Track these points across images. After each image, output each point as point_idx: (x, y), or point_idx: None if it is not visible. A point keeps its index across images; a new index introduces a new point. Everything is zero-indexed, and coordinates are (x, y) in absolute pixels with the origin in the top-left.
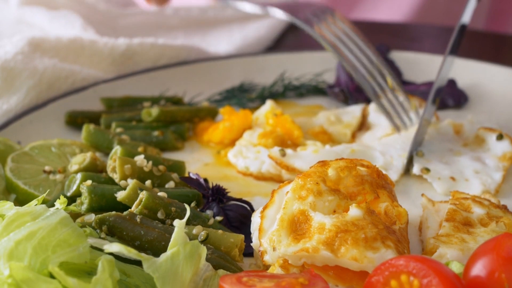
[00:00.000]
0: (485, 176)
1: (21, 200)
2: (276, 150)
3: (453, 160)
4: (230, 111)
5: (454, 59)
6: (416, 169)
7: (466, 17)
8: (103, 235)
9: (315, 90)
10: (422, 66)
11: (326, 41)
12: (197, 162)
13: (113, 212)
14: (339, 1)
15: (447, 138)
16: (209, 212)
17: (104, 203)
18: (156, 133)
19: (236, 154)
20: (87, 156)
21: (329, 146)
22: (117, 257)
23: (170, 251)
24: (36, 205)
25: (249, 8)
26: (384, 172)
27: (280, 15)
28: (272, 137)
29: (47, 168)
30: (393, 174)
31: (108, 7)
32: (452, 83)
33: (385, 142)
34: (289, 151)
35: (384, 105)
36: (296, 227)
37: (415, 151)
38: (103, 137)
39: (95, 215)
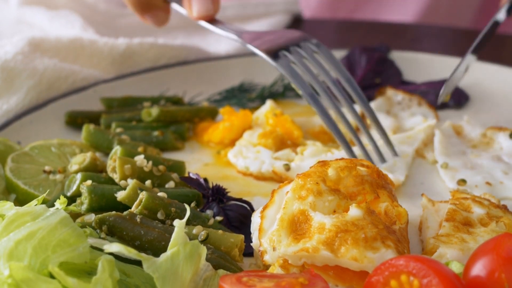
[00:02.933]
0: None
1: (21, 200)
2: (280, 165)
3: (476, 163)
4: (230, 111)
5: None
6: (451, 183)
7: (501, 15)
8: (103, 235)
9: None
10: (422, 66)
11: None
12: (197, 162)
13: (113, 212)
14: (343, 2)
15: (453, 141)
16: (209, 212)
17: (104, 203)
18: (156, 133)
19: (236, 154)
20: (87, 156)
21: (331, 153)
22: (117, 257)
23: (170, 251)
24: (36, 205)
25: (223, 33)
26: (387, 172)
27: (255, 51)
28: (272, 137)
29: (47, 168)
30: (400, 175)
31: (108, 7)
32: None
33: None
34: (293, 164)
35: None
36: (296, 227)
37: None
38: (103, 137)
39: (95, 215)
